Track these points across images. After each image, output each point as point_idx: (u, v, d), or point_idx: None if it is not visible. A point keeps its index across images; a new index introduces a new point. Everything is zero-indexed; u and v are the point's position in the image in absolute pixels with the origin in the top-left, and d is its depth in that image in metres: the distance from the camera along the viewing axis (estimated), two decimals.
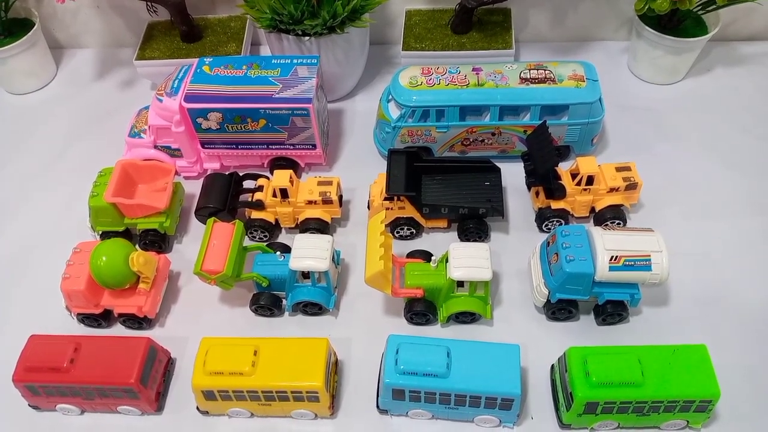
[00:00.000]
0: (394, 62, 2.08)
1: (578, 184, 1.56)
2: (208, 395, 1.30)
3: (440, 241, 1.63)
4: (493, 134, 1.69)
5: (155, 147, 1.75)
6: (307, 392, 1.28)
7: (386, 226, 1.54)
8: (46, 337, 1.37)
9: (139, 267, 1.41)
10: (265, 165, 1.78)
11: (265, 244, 1.59)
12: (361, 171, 1.78)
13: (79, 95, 2.11)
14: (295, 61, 1.68)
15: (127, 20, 2.16)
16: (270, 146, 1.72)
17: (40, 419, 1.40)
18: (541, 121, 1.61)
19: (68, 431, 1.38)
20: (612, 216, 1.58)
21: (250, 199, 1.62)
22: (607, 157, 1.78)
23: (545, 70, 1.65)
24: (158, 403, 1.38)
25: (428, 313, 1.45)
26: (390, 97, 1.72)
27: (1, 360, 1.44)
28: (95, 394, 1.33)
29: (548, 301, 1.44)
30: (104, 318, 1.50)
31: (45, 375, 1.31)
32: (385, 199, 1.57)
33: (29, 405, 1.40)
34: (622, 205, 1.59)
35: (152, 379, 1.35)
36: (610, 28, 2.09)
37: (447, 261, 1.43)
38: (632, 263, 1.34)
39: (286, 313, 1.53)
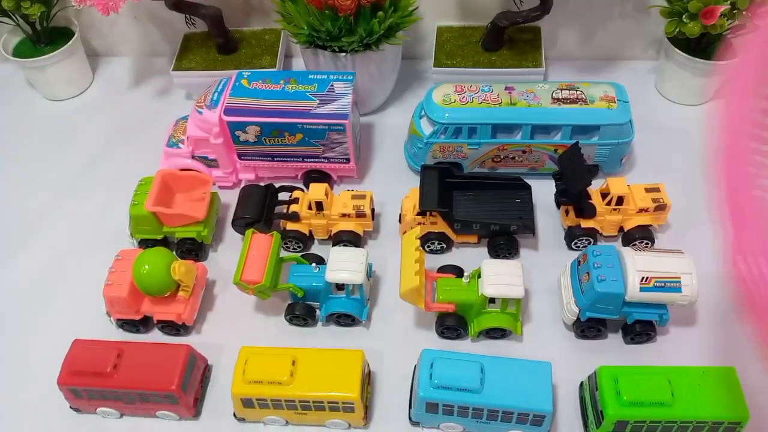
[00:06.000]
0: (425, 77, 2.12)
1: (608, 204, 1.59)
2: (247, 403, 1.34)
3: (470, 256, 1.67)
4: (524, 152, 1.73)
5: (193, 157, 1.79)
6: (343, 403, 1.31)
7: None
8: (89, 342, 1.42)
9: (180, 276, 1.45)
10: (299, 177, 1.82)
11: (299, 254, 1.63)
12: (391, 184, 1.82)
13: (115, 103, 2.16)
14: (331, 76, 1.72)
15: (162, 31, 2.21)
16: (305, 159, 1.76)
17: (80, 421, 1.45)
18: (572, 141, 1.64)
19: None
20: (640, 236, 1.60)
21: (285, 211, 1.66)
22: (635, 177, 1.81)
23: (577, 90, 1.68)
24: (196, 408, 1.42)
25: (459, 327, 1.49)
26: (422, 113, 1.75)
27: (43, 361, 1.49)
28: (136, 399, 1.37)
29: (578, 319, 1.47)
30: (143, 324, 1.54)
31: (89, 379, 1.35)
32: (418, 213, 1.61)
33: (70, 407, 1.44)
34: (650, 226, 1.62)
35: (191, 386, 1.39)
36: (638, 48, 2.11)
37: (479, 277, 1.46)
38: (663, 284, 1.37)
39: (320, 323, 1.57)
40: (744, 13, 1.72)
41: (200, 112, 1.71)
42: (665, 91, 2.02)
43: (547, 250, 1.67)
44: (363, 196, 1.66)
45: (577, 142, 1.61)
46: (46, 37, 2.07)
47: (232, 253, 1.61)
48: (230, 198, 1.78)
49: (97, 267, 1.57)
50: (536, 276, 1.61)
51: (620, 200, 1.58)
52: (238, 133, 1.69)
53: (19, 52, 2.08)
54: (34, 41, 2.07)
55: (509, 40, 1.99)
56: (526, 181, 1.67)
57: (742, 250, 0.80)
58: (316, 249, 1.71)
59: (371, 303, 1.59)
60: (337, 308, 1.51)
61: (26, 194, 1.91)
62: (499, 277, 1.42)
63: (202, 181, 1.68)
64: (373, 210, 1.68)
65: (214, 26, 1.98)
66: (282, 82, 1.72)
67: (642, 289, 1.37)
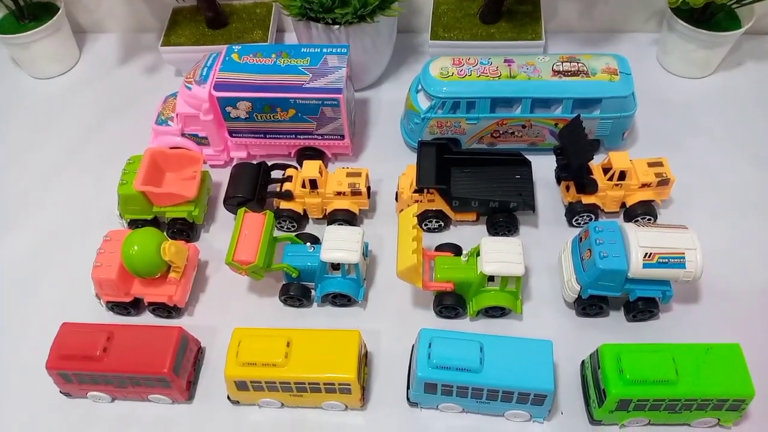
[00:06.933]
0: (421, 51, 2.07)
1: (610, 179, 1.55)
2: (241, 385, 1.31)
3: (468, 234, 1.63)
4: (524, 127, 1.68)
5: (182, 135, 1.74)
6: (339, 384, 1.28)
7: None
8: (78, 325, 1.38)
9: (170, 256, 1.41)
10: (292, 155, 1.78)
11: (294, 234, 1.59)
12: (387, 161, 1.78)
13: (103, 80, 2.10)
14: (324, 50, 1.67)
15: (150, 5, 2.14)
16: (298, 136, 1.71)
17: (71, 406, 1.41)
18: (573, 115, 1.60)
19: (99, 418, 1.40)
20: (643, 212, 1.57)
21: (278, 190, 1.62)
22: (637, 152, 1.77)
23: (578, 62, 1.63)
24: (189, 392, 1.39)
25: (458, 306, 1.45)
26: (419, 87, 1.70)
27: (31, 346, 1.46)
28: (127, 383, 1.34)
29: (579, 296, 1.43)
30: (134, 306, 1.51)
31: (78, 363, 1.32)
32: (415, 191, 1.57)
33: (61, 392, 1.41)
34: (653, 201, 1.58)
35: (184, 369, 1.36)
36: (639, 20, 2.06)
37: (478, 255, 1.42)
38: (666, 261, 1.34)
39: (315, 304, 1.53)
40: None
41: (189, 88, 1.66)
42: (667, 63, 1.97)
43: (547, 226, 1.63)
44: (358, 174, 1.61)
45: (579, 116, 1.56)
46: (29, 12, 2.00)
47: (225, 233, 1.57)
48: (222, 177, 1.74)
49: (87, 249, 1.53)
50: (536, 253, 1.57)
51: (622, 175, 1.55)
52: (228, 109, 1.64)
53: (1, 28, 2.01)
54: (17, 17, 2.01)
55: (508, 12, 1.93)
56: (526, 156, 1.62)
57: None
58: (310, 228, 1.67)
59: (368, 282, 1.55)
60: (333, 288, 1.47)
61: (13, 175, 1.86)
62: (498, 255, 1.39)
63: (192, 160, 1.64)
64: (368, 188, 1.64)
65: None
66: (274, 55, 1.67)
67: (645, 266, 1.33)
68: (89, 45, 2.21)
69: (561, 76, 1.61)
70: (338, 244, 1.43)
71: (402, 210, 1.50)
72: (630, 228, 1.38)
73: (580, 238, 1.44)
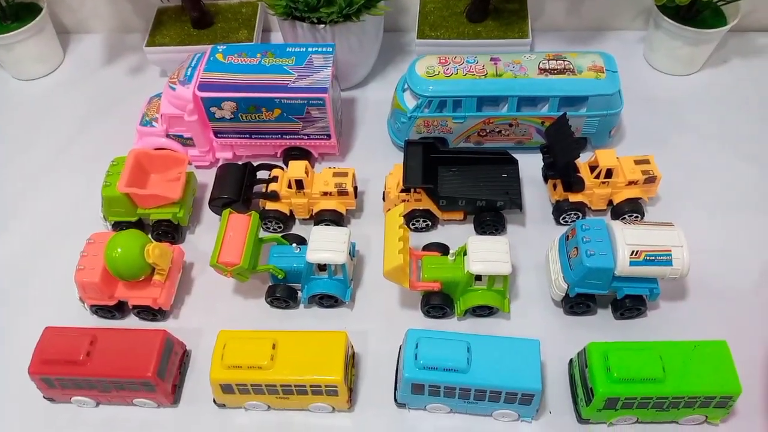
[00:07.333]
0: (408, 50, 2.06)
1: (597, 177, 1.55)
2: (226, 389, 1.30)
3: (456, 233, 1.62)
4: (510, 125, 1.68)
5: (167, 136, 1.73)
6: (326, 386, 1.27)
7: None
8: (61, 329, 1.36)
9: (154, 259, 1.40)
10: (278, 155, 1.76)
11: (280, 235, 1.58)
12: (374, 161, 1.77)
13: (87, 81, 2.08)
14: (310, 49, 1.66)
15: (134, 5, 2.12)
16: (284, 136, 1.70)
17: (56, 411, 1.40)
18: (559, 113, 1.59)
19: (84, 423, 1.38)
20: (630, 209, 1.57)
21: (264, 190, 1.60)
22: (623, 149, 1.77)
23: (564, 60, 1.63)
24: (174, 395, 1.38)
25: (445, 306, 1.44)
26: (406, 86, 1.69)
27: (14, 351, 1.44)
28: (111, 387, 1.32)
29: (567, 295, 1.43)
30: (118, 309, 1.49)
31: (61, 367, 1.30)
32: (402, 191, 1.56)
33: (44, 397, 1.39)
34: (640, 199, 1.58)
35: (169, 372, 1.35)
36: (626, 18, 2.06)
37: (465, 254, 1.42)
38: (653, 258, 1.33)
39: (301, 305, 1.52)
40: None
41: (173, 89, 1.64)
42: (654, 61, 1.97)
43: (534, 225, 1.63)
44: (345, 174, 1.60)
45: (565, 114, 1.56)
46: (12, 13, 1.98)
47: (210, 235, 1.55)
48: (207, 178, 1.72)
49: (72, 252, 1.50)
50: (523, 252, 1.57)
51: (609, 173, 1.54)
52: (213, 109, 1.63)
53: None
54: None
55: (494, 11, 1.93)
56: (513, 155, 1.62)
57: None
58: (297, 229, 1.66)
59: (355, 283, 1.54)
60: (320, 289, 1.46)
61: None
62: (485, 254, 1.38)
63: (177, 161, 1.62)
64: (355, 188, 1.63)
65: None
66: (259, 55, 1.65)
67: (632, 263, 1.33)
68: (73, 45, 2.19)
69: (547, 74, 1.61)
70: (325, 245, 1.42)
71: (389, 210, 1.49)
72: (617, 226, 1.37)
73: (567, 237, 1.44)
